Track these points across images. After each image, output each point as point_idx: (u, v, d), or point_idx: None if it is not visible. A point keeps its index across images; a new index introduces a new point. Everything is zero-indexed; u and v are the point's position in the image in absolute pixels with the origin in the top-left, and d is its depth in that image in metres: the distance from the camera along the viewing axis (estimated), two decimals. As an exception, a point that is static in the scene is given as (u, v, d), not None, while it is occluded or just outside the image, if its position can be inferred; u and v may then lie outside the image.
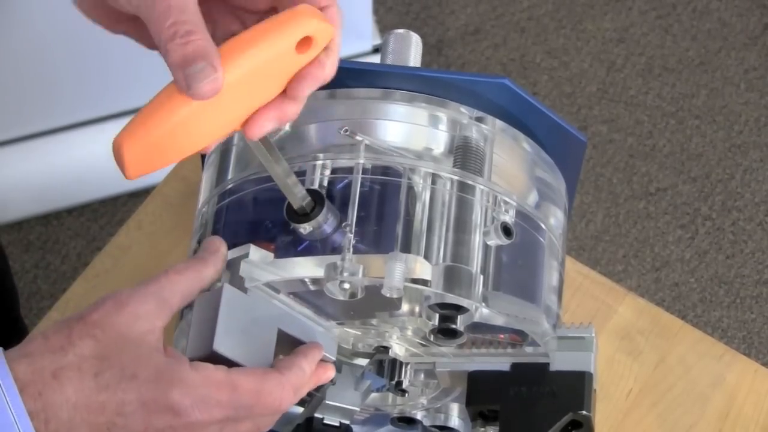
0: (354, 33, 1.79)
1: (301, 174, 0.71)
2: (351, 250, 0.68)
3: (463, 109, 0.75)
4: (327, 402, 0.78)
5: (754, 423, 0.94)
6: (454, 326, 0.71)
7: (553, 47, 2.00)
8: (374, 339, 0.75)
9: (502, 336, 0.75)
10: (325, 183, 0.71)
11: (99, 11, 0.65)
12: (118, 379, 0.61)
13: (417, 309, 0.73)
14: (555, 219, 0.77)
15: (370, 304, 0.71)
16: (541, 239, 0.75)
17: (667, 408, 0.94)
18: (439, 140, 0.74)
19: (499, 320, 0.71)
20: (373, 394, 0.79)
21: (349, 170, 0.71)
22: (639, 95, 1.96)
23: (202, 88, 0.58)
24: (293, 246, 0.70)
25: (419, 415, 0.82)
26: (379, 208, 0.70)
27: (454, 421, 0.81)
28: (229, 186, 0.75)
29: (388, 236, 0.69)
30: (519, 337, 0.74)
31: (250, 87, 0.60)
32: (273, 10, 0.64)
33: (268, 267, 0.70)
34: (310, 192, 0.69)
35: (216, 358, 0.66)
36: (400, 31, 0.81)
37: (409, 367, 0.77)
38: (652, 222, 1.86)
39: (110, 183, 1.81)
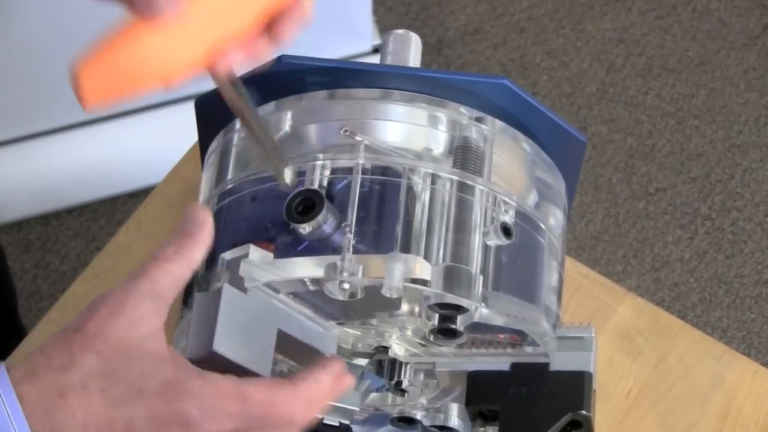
0: (354, 33, 1.79)
1: (300, 174, 0.71)
2: (351, 250, 0.68)
3: (463, 109, 0.75)
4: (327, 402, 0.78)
5: (753, 423, 0.94)
6: (453, 326, 0.71)
7: (552, 47, 2.00)
8: (374, 339, 0.75)
9: (501, 336, 0.75)
10: (325, 183, 0.71)
11: None
12: (125, 395, 0.60)
13: (417, 309, 0.73)
14: (555, 219, 0.77)
15: (370, 304, 0.71)
16: (541, 239, 0.75)
17: (666, 408, 0.94)
18: (438, 140, 0.74)
19: (498, 320, 0.71)
20: (373, 394, 0.79)
21: (349, 170, 0.71)
22: (639, 95, 1.96)
23: (162, 6, 0.56)
24: (293, 246, 0.70)
25: (419, 415, 0.82)
26: (379, 208, 0.70)
27: (454, 421, 0.81)
28: (229, 186, 0.75)
29: (388, 236, 0.69)
30: (519, 337, 0.74)
31: (217, 15, 0.58)
32: None
33: (268, 267, 0.70)
34: (310, 192, 0.69)
35: (216, 359, 0.66)
36: (400, 31, 0.81)
37: (408, 367, 0.77)
38: (652, 222, 1.86)
39: (110, 183, 1.81)
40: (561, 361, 0.75)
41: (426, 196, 0.71)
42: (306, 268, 0.69)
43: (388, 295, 0.68)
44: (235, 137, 0.77)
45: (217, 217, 0.75)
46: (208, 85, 0.81)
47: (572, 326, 0.77)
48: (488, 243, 0.72)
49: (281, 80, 0.74)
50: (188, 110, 0.83)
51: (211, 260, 0.73)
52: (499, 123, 0.75)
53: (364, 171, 0.71)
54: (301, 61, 0.74)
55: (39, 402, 0.59)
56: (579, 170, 0.82)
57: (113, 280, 0.96)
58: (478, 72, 1.96)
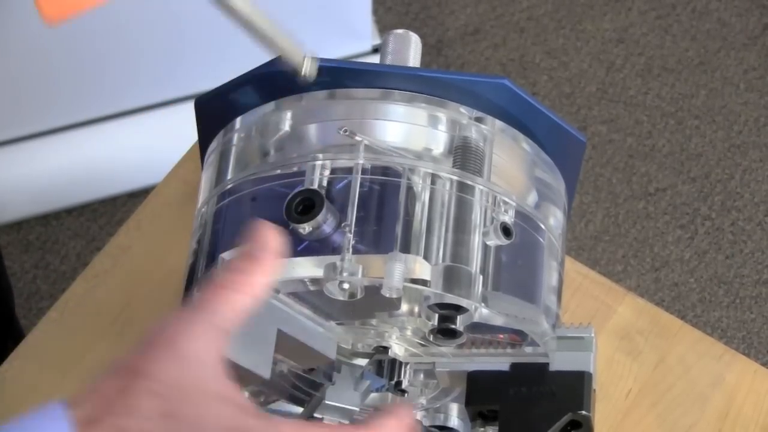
0: (353, 33, 1.80)
1: (300, 174, 0.71)
2: (350, 250, 0.68)
3: (463, 109, 0.75)
4: (327, 402, 0.78)
5: (753, 423, 0.94)
6: (453, 326, 0.71)
7: (552, 47, 2.00)
8: (374, 339, 0.75)
9: (501, 336, 0.75)
10: (325, 183, 0.71)
11: None
12: None
13: (416, 309, 0.73)
14: (554, 219, 0.77)
15: (370, 305, 0.71)
16: (541, 239, 0.75)
17: (666, 408, 0.94)
18: (438, 140, 0.74)
19: (498, 320, 0.71)
20: (373, 394, 0.79)
21: (349, 170, 0.71)
22: (638, 95, 1.96)
23: None
24: (292, 246, 0.70)
25: (419, 416, 0.82)
26: (379, 208, 0.70)
27: (454, 421, 0.81)
28: (229, 186, 0.75)
29: (388, 236, 0.69)
30: (518, 337, 0.74)
31: None
32: None
33: (268, 267, 0.70)
34: (310, 192, 0.69)
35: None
36: (400, 31, 0.81)
37: (408, 367, 0.77)
38: (652, 222, 1.86)
39: (110, 183, 1.81)
40: (561, 361, 0.75)
41: (426, 196, 0.71)
42: (306, 268, 0.69)
43: (387, 295, 0.68)
44: (235, 137, 0.77)
45: (217, 217, 0.75)
46: (208, 85, 0.81)
47: (572, 326, 0.76)
48: (488, 243, 0.72)
49: (281, 80, 0.74)
50: (188, 110, 0.83)
51: (211, 260, 0.73)
52: (499, 123, 0.75)
53: (364, 171, 0.71)
54: (301, 61, 0.74)
55: None
56: (579, 170, 0.82)
57: (113, 280, 0.96)
58: (478, 72, 1.96)
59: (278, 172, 0.72)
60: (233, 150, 0.77)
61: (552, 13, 2.03)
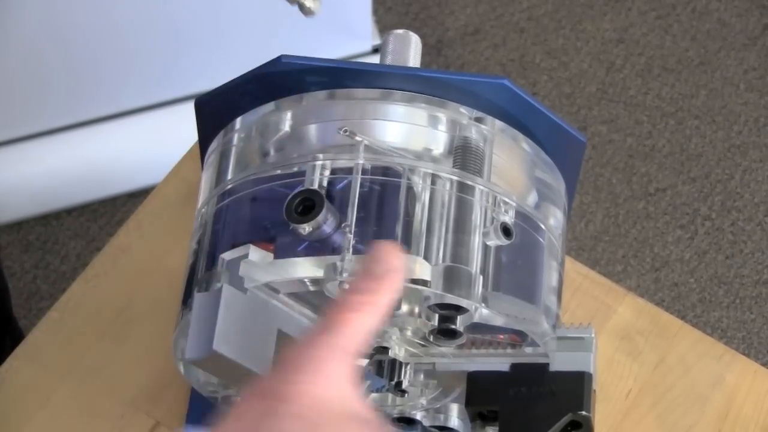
0: (353, 33, 1.80)
1: (300, 174, 0.71)
2: (351, 250, 0.68)
3: (463, 109, 0.74)
4: (326, 402, 0.78)
5: (753, 423, 0.94)
6: (453, 327, 0.71)
7: (552, 47, 2.00)
8: (374, 339, 0.75)
9: (501, 336, 0.75)
10: (325, 183, 0.71)
11: None
12: None
13: (416, 309, 0.73)
14: (554, 219, 0.77)
15: (370, 305, 0.71)
16: (541, 240, 0.75)
17: (666, 408, 0.94)
18: (438, 141, 0.74)
19: (498, 321, 0.71)
20: (373, 395, 0.79)
21: (349, 171, 0.71)
22: (638, 95, 1.96)
23: None
24: (293, 246, 0.70)
25: (419, 416, 0.82)
26: (379, 208, 0.70)
27: (454, 421, 0.81)
28: (229, 186, 0.75)
29: (388, 237, 0.69)
30: (518, 338, 0.74)
31: None
32: None
33: (268, 267, 0.70)
34: (310, 192, 0.69)
35: (216, 359, 0.66)
36: (400, 31, 0.81)
37: (408, 367, 0.77)
38: (652, 222, 1.86)
39: (110, 183, 1.81)
40: (561, 362, 0.75)
41: (426, 197, 0.71)
42: (306, 268, 0.69)
43: (387, 296, 0.68)
44: (235, 137, 0.77)
45: (217, 217, 0.75)
46: (208, 85, 0.81)
47: (572, 326, 0.76)
48: (488, 243, 0.72)
49: (281, 80, 0.74)
50: (188, 110, 0.83)
51: (211, 261, 0.73)
52: (499, 123, 0.75)
53: (364, 171, 0.71)
54: (301, 61, 0.74)
55: None
56: (579, 170, 0.82)
57: (113, 281, 0.96)
58: (478, 72, 1.96)
59: (278, 172, 0.72)
60: (233, 150, 0.77)
61: (552, 13, 2.03)
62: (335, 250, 0.69)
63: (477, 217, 0.72)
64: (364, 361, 0.77)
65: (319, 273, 0.69)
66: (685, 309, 1.79)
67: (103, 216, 1.81)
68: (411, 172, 0.71)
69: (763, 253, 1.84)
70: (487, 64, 1.97)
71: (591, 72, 1.98)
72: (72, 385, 0.92)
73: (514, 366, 0.75)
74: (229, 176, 0.75)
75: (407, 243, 0.70)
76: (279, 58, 0.74)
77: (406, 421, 0.82)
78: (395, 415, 0.82)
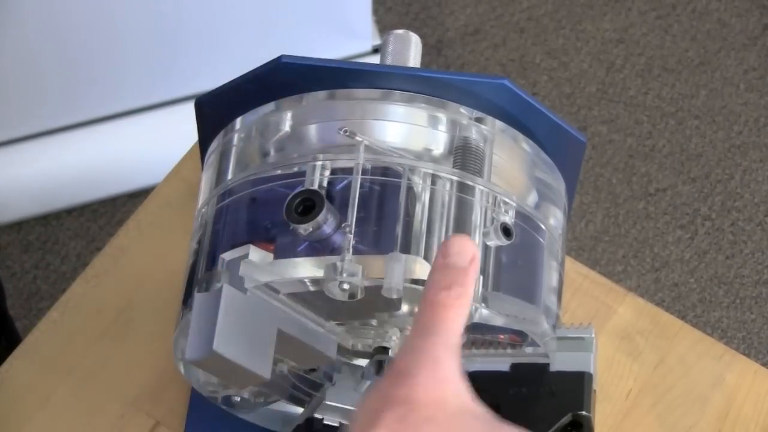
0: (354, 33, 1.80)
1: (300, 174, 0.71)
2: (351, 250, 0.68)
3: (463, 109, 0.74)
4: (327, 402, 0.78)
5: (754, 423, 0.94)
6: (453, 327, 0.71)
7: (552, 48, 2.00)
8: (374, 339, 0.75)
9: (501, 336, 0.75)
10: (325, 183, 0.71)
11: None
12: None
13: (417, 309, 0.73)
14: (555, 219, 0.77)
15: (370, 305, 0.71)
16: (541, 240, 0.75)
17: (666, 408, 0.94)
18: (438, 141, 0.74)
19: (498, 321, 0.71)
20: (373, 395, 0.79)
21: (349, 171, 0.71)
22: (638, 95, 1.96)
23: None
24: (293, 246, 0.70)
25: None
26: (379, 208, 0.70)
27: (454, 421, 0.81)
28: (229, 186, 0.75)
29: (388, 237, 0.69)
30: (519, 338, 0.74)
31: None
32: None
33: (268, 267, 0.70)
34: (310, 192, 0.69)
35: (216, 359, 0.66)
36: (400, 31, 0.81)
37: (408, 367, 0.77)
38: (652, 222, 1.86)
39: (110, 183, 1.81)
40: (561, 362, 0.75)
41: (426, 197, 0.71)
42: (306, 268, 0.69)
43: (388, 296, 0.68)
44: (236, 137, 0.77)
45: (217, 217, 0.75)
46: (208, 85, 0.81)
47: (572, 326, 0.76)
48: (488, 243, 0.72)
49: (281, 80, 0.74)
50: (188, 110, 0.83)
51: (211, 261, 0.73)
52: (499, 123, 0.75)
53: (364, 171, 0.71)
54: (301, 61, 0.74)
55: None
56: (579, 170, 0.82)
57: (113, 281, 0.96)
58: (478, 72, 1.96)
59: (278, 172, 0.73)
60: (233, 150, 0.77)
61: (552, 13, 2.03)
62: (335, 250, 0.69)
63: (477, 217, 0.72)
64: (364, 362, 0.77)
65: (319, 273, 0.69)
66: (685, 309, 1.79)
67: (103, 216, 1.81)
68: (411, 172, 0.71)
69: (763, 253, 1.84)
70: (487, 64, 1.97)
71: (591, 72, 1.98)
72: (72, 385, 0.92)
73: (514, 366, 0.75)
74: (229, 176, 0.75)
75: (407, 243, 0.70)
76: (279, 58, 0.74)
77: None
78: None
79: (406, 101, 0.74)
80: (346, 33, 1.79)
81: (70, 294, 0.96)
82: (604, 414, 0.92)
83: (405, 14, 2.02)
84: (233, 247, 0.71)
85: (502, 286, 0.72)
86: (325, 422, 0.79)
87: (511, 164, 0.76)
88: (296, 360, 0.75)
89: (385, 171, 0.71)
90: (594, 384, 0.75)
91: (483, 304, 0.70)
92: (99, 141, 1.78)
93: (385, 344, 0.75)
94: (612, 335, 0.96)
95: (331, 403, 0.78)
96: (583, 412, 0.74)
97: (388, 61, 0.80)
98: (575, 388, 0.74)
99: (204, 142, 0.81)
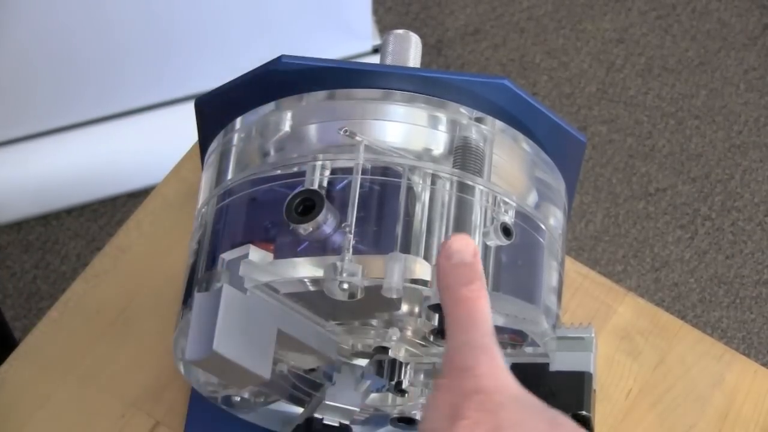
0: (354, 33, 1.80)
1: (300, 174, 0.71)
2: (350, 250, 0.68)
3: (463, 109, 0.74)
4: (327, 402, 0.78)
5: (753, 423, 0.94)
6: (453, 326, 0.71)
7: (552, 47, 2.00)
8: (374, 339, 0.75)
9: (501, 336, 0.75)
10: (325, 183, 0.71)
11: None
12: None
13: (417, 309, 0.73)
14: (555, 219, 0.77)
15: (370, 305, 0.71)
16: (541, 240, 0.75)
17: (666, 408, 0.94)
18: (438, 141, 0.74)
19: (498, 320, 0.71)
20: (373, 395, 0.79)
21: (349, 171, 0.71)
22: (638, 95, 1.96)
23: None
24: (293, 246, 0.70)
25: (419, 416, 0.82)
26: (379, 208, 0.70)
27: (454, 421, 0.81)
28: (229, 186, 0.75)
29: (388, 237, 0.69)
30: (518, 338, 0.74)
31: None
32: None
33: (268, 267, 0.70)
34: (310, 192, 0.69)
35: (216, 359, 0.66)
36: (400, 31, 0.81)
37: (408, 367, 0.77)
38: (652, 222, 1.86)
39: (110, 183, 1.81)
40: (561, 362, 0.75)
41: (426, 197, 0.71)
42: (306, 268, 0.69)
43: (387, 296, 0.68)
44: (236, 137, 0.77)
45: (217, 217, 0.75)
46: (208, 85, 0.81)
47: (572, 326, 0.76)
48: (488, 243, 0.72)
49: (281, 80, 0.74)
50: (188, 110, 0.83)
51: (211, 261, 0.73)
52: (499, 123, 0.75)
53: (364, 171, 0.71)
54: (301, 61, 0.74)
55: None
56: (579, 170, 0.82)
57: (113, 281, 0.96)
58: (478, 72, 1.96)
59: (278, 172, 0.72)
60: (233, 150, 0.77)
61: (552, 13, 2.03)
62: (335, 250, 0.69)
63: (477, 217, 0.72)
64: (364, 362, 0.77)
65: (319, 273, 0.69)
66: (685, 309, 1.79)
67: (103, 216, 1.81)
68: (411, 172, 0.71)
69: (763, 253, 1.84)
70: (487, 64, 1.97)
71: (591, 72, 1.98)
72: (72, 385, 0.92)
73: (514, 366, 0.75)
74: (229, 176, 0.75)
75: (407, 243, 0.70)
76: (279, 58, 0.74)
77: (406, 421, 0.82)
78: (395, 415, 0.82)
79: (406, 101, 0.74)
80: (346, 33, 1.79)
81: (70, 294, 0.96)
82: (604, 414, 0.92)
83: (405, 14, 2.02)
84: (233, 247, 0.71)
85: (502, 286, 0.72)
86: (325, 422, 0.79)
87: (511, 164, 0.75)
88: (296, 360, 0.75)
89: (385, 171, 0.71)
90: (594, 384, 0.75)
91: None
92: (99, 141, 1.78)
93: (385, 344, 0.75)
94: (612, 335, 0.96)
95: (330, 403, 0.78)
96: (583, 412, 0.74)
97: (388, 61, 0.80)
98: (575, 387, 0.74)
99: (204, 142, 0.81)
